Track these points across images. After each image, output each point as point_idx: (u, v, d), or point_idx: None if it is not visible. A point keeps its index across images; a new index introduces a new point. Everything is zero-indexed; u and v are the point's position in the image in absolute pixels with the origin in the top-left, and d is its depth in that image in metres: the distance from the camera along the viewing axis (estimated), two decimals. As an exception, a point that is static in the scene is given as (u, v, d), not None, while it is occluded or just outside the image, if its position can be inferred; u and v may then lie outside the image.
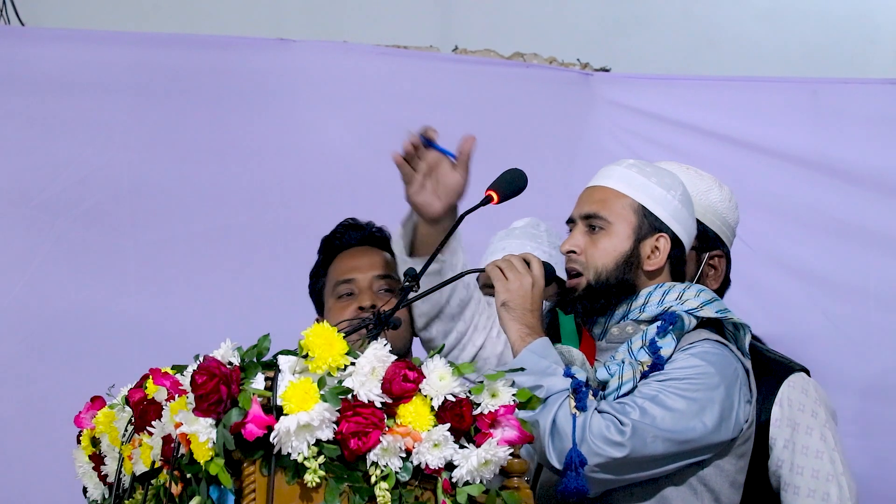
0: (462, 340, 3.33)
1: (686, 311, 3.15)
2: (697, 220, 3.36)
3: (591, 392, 3.05)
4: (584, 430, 2.98)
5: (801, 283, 4.70)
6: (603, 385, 3.11)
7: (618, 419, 3.00)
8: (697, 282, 3.40)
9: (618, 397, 3.07)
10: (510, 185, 3.25)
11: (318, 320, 3.58)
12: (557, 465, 2.99)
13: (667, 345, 3.10)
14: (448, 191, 3.28)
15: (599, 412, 3.02)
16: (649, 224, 3.23)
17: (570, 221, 3.29)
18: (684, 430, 3.03)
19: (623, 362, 3.10)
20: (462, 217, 3.21)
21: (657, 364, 3.08)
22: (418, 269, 3.16)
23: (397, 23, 5.35)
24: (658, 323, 3.14)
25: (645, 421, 3.01)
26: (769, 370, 3.46)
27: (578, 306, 3.21)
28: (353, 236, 3.64)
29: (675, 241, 3.25)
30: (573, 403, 3.01)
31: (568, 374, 3.06)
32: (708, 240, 3.47)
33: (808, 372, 3.51)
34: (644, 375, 3.08)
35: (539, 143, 4.80)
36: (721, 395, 3.07)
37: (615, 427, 2.99)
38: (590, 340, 3.22)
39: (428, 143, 3.30)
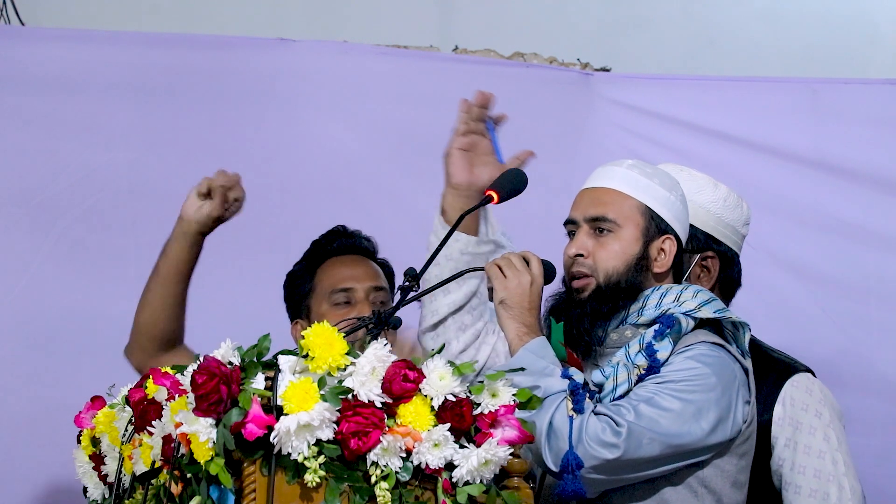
0: (479, 339, 3.31)
1: (683, 314, 3.15)
2: None
3: (587, 394, 3.05)
4: (581, 432, 2.98)
5: (802, 281, 4.70)
6: (599, 387, 3.11)
7: (614, 420, 3.00)
8: None
9: (613, 399, 3.07)
10: (510, 184, 3.25)
11: (298, 324, 3.60)
12: (554, 468, 2.99)
13: (663, 348, 3.10)
14: (485, 174, 3.28)
15: (596, 414, 3.01)
16: (656, 226, 3.23)
17: (571, 223, 3.27)
18: (680, 432, 3.03)
19: (618, 364, 3.10)
20: (462, 217, 3.21)
21: (653, 367, 3.08)
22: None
23: (397, 23, 5.35)
24: (655, 326, 3.13)
25: (640, 423, 3.00)
26: (773, 369, 3.46)
27: (588, 307, 3.19)
28: (344, 243, 3.66)
29: (678, 242, 3.25)
30: (570, 405, 3.01)
31: (565, 375, 3.06)
32: (697, 241, 3.46)
33: (812, 372, 3.51)
34: (640, 379, 3.08)
35: (539, 143, 4.77)
36: (717, 397, 3.07)
37: (611, 429, 2.99)
38: (574, 357, 3.20)
39: (491, 128, 3.29)
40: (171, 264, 3.54)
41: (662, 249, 3.23)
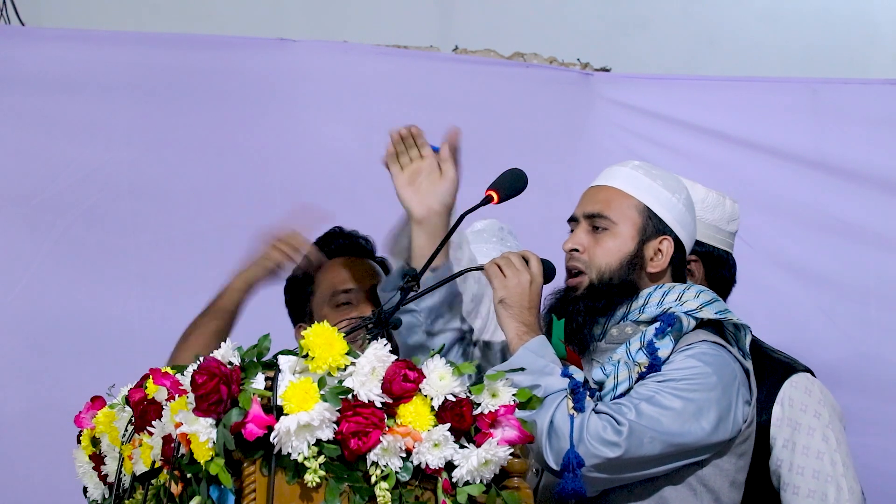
0: (488, 326, 3.31)
1: (685, 313, 3.15)
2: None
3: (588, 393, 3.05)
4: (582, 431, 2.98)
5: (801, 281, 4.70)
6: (599, 385, 3.11)
7: (615, 419, 3.00)
8: None
9: (614, 398, 3.07)
10: (510, 185, 3.25)
11: (301, 328, 3.59)
12: (555, 466, 2.99)
13: (664, 346, 3.10)
14: (438, 195, 3.27)
15: (597, 413, 3.02)
16: (654, 226, 3.23)
17: (573, 220, 3.28)
18: (681, 431, 3.03)
19: (619, 362, 3.10)
20: (462, 217, 3.21)
21: (654, 365, 3.08)
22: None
23: (397, 23, 5.36)
24: (657, 324, 3.13)
25: (641, 421, 3.00)
26: (772, 370, 3.46)
27: (581, 304, 3.20)
28: (342, 244, 3.66)
29: (678, 244, 3.25)
30: (571, 404, 3.01)
31: (566, 373, 3.06)
32: None
33: (812, 372, 3.51)
34: (641, 377, 3.08)
35: (539, 143, 4.80)
36: (718, 396, 3.07)
37: (612, 427, 2.99)
38: (574, 355, 3.21)
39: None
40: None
41: (659, 250, 3.23)
